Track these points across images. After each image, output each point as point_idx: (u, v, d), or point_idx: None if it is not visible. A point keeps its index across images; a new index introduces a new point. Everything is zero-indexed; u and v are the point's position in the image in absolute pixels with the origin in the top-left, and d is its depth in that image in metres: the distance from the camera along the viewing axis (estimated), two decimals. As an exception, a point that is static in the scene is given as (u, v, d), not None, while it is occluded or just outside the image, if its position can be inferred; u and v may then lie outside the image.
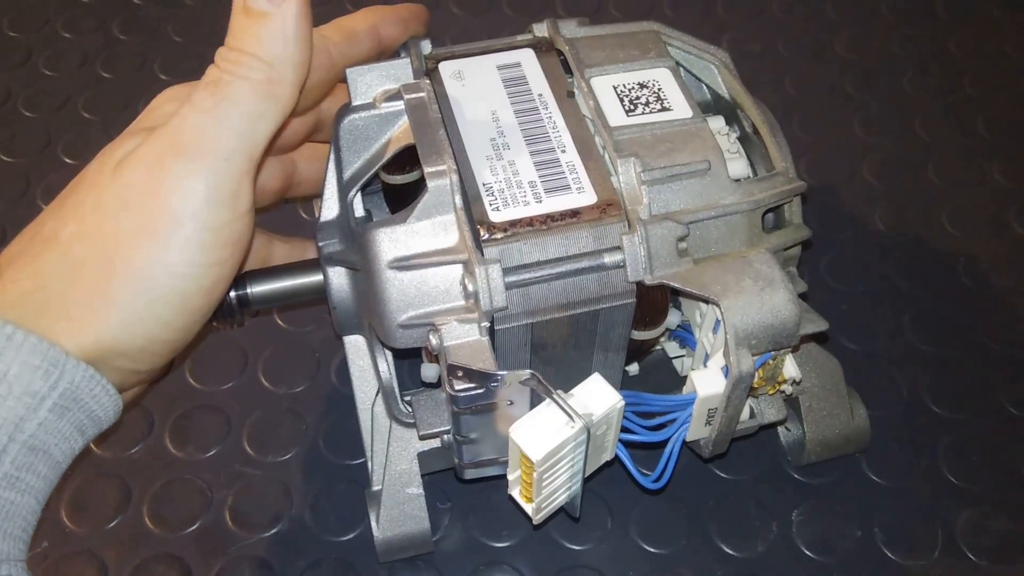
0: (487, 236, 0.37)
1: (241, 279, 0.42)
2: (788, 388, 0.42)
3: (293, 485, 0.49)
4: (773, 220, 0.44)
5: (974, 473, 0.49)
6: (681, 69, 0.46)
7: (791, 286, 0.37)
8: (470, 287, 0.36)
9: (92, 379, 0.34)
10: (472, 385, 0.36)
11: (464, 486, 0.48)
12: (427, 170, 0.37)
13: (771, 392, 0.42)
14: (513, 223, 0.37)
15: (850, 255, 0.59)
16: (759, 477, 0.49)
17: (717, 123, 0.45)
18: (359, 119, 0.41)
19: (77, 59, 0.69)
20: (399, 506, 0.43)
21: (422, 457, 0.43)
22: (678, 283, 0.37)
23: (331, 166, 0.42)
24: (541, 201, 0.38)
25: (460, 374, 0.35)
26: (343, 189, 0.42)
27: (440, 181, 0.37)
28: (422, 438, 0.41)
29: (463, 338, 0.37)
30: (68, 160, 0.63)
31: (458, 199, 0.37)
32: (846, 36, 0.71)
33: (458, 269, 0.37)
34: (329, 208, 0.43)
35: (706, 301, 0.38)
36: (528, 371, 0.35)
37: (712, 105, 0.47)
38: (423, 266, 0.37)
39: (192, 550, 0.46)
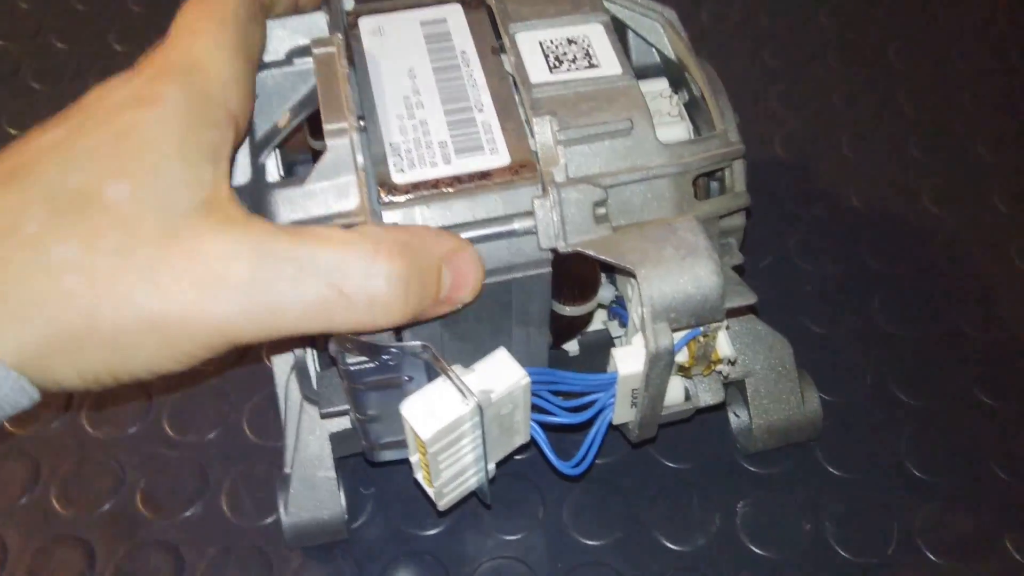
0: (387, 199, 0.34)
1: None
2: (725, 368, 0.39)
3: (211, 467, 0.46)
4: (718, 188, 0.41)
5: (937, 465, 0.46)
6: (630, 31, 0.43)
7: (716, 255, 0.34)
8: (367, 253, 0.34)
9: (20, 392, 0.28)
10: (363, 359, 0.33)
11: (390, 470, 0.45)
12: (326, 128, 0.35)
13: (706, 373, 0.39)
14: (417, 185, 0.35)
15: (821, 233, 0.55)
16: (705, 465, 0.46)
17: (659, 85, 0.42)
18: (269, 76, 0.38)
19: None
20: (309, 490, 0.41)
21: (335, 438, 0.41)
22: (593, 251, 0.34)
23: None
24: (450, 162, 0.35)
25: (349, 346, 0.33)
26: (254, 151, 0.40)
27: (339, 140, 0.35)
28: (323, 416, 0.39)
29: (360, 308, 0.34)
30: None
31: (360, 159, 0.35)
32: (831, 4, 0.68)
33: (356, 234, 0.34)
34: (241, 172, 0.40)
35: (623, 272, 0.35)
36: (419, 343, 0.32)
37: (661, 68, 0.44)
38: (322, 230, 0.35)
39: (98, 533, 0.44)
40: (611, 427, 0.39)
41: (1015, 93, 0.63)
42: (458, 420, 0.32)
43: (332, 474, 0.41)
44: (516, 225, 0.35)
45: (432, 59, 0.39)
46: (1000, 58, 0.65)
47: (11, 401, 0.28)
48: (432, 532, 0.44)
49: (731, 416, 0.46)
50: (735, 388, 0.45)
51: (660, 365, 0.35)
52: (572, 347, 0.44)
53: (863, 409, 0.48)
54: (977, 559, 0.43)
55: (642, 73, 0.44)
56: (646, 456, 0.46)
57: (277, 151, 0.40)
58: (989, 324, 0.51)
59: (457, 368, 0.33)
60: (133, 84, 0.32)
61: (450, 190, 0.35)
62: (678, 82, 0.43)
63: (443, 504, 0.36)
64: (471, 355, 0.35)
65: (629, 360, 0.36)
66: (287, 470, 0.41)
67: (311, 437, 0.41)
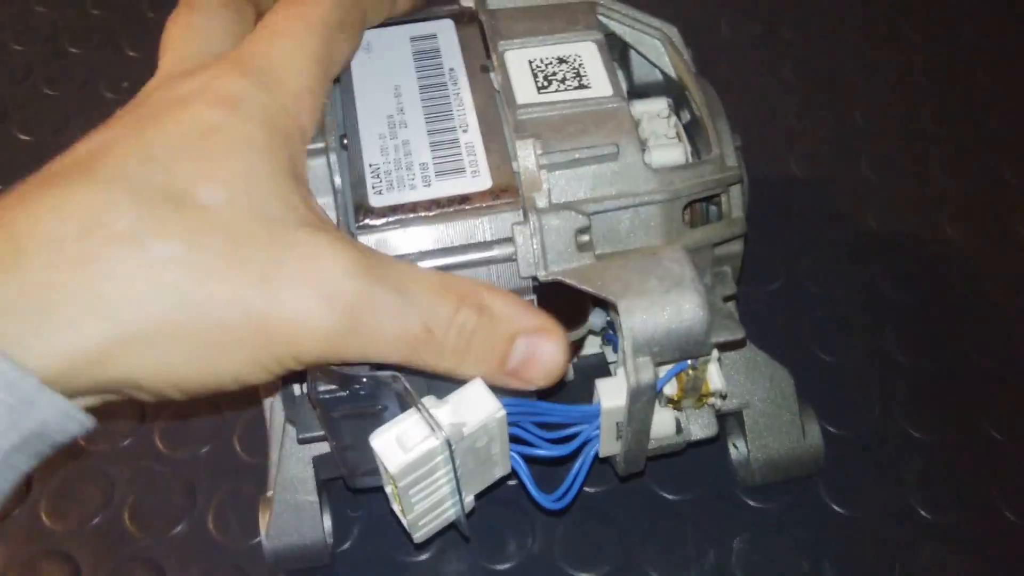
0: (363, 222, 0.34)
1: None
2: (717, 402, 0.37)
3: (199, 485, 0.46)
4: (717, 213, 0.39)
5: (944, 504, 0.44)
6: (632, 51, 0.42)
7: (702, 287, 0.33)
8: (341, 278, 0.33)
9: (67, 416, 0.27)
10: (334, 387, 0.32)
11: (378, 493, 0.44)
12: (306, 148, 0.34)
13: (697, 406, 0.37)
14: (395, 208, 0.34)
15: (834, 256, 0.53)
16: (702, 498, 0.45)
17: (656, 105, 0.40)
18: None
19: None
20: (291, 513, 0.40)
21: (319, 461, 0.40)
22: (574, 280, 0.33)
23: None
24: (430, 185, 0.34)
25: (319, 374, 0.32)
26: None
27: (317, 160, 0.34)
28: (301, 442, 0.38)
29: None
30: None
31: (337, 180, 0.34)
32: (856, 20, 0.66)
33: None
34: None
35: (604, 304, 0.33)
36: (391, 373, 0.31)
37: (663, 87, 0.43)
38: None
39: (85, 549, 0.43)
40: (598, 460, 0.38)
41: (1045, 114, 0.60)
42: (428, 454, 0.31)
43: (314, 498, 0.40)
44: (495, 252, 0.33)
45: (419, 76, 0.38)
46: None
47: (60, 429, 0.27)
48: (419, 558, 0.43)
49: (731, 448, 0.45)
50: (734, 419, 0.43)
51: (642, 400, 0.33)
52: (568, 373, 0.43)
53: (870, 442, 0.46)
54: (982, 606, 0.41)
55: (644, 92, 0.43)
56: (641, 486, 0.45)
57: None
58: (1005, 357, 0.49)
59: (429, 400, 0.32)
60: (202, 79, 0.31)
61: (428, 214, 0.34)
62: (681, 102, 0.41)
63: (418, 536, 0.35)
64: (451, 385, 0.34)
65: (612, 392, 0.34)
66: (269, 493, 0.41)
67: (294, 460, 0.40)
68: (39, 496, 0.45)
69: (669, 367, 0.35)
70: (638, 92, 0.43)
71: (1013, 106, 0.60)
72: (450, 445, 0.31)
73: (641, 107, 0.40)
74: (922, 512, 0.44)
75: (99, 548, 0.44)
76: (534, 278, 0.34)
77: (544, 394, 0.37)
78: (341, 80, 0.38)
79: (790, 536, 0.43)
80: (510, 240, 0.33)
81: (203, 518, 0.45)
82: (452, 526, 0.37)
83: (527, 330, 0.32)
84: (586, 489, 0.45)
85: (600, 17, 0.41)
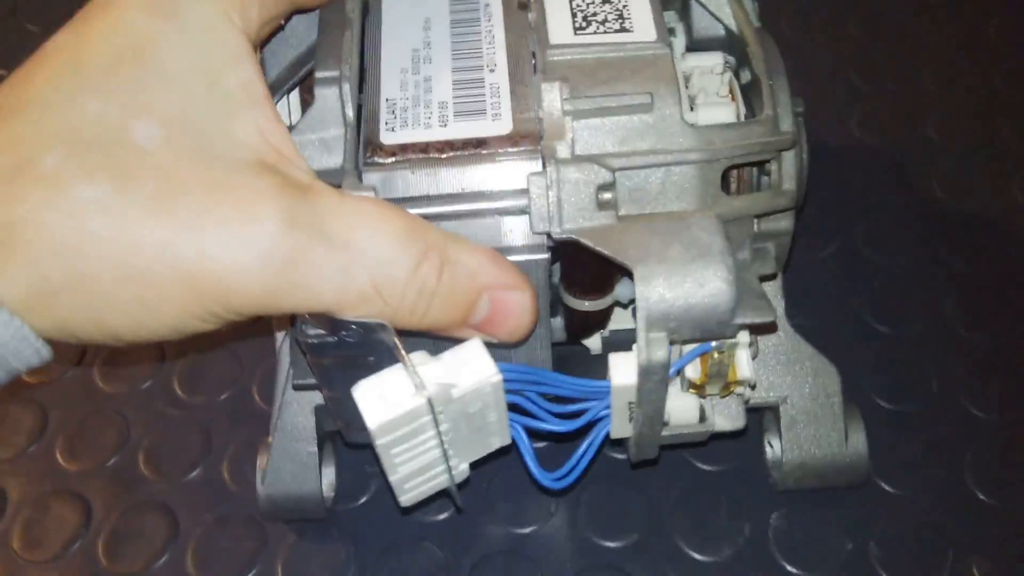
0: (370, 158, 0.31)
1: None
2: (746, 392, 0.34)
3: (216, 431, 0.44)
4: (768, 181, 0.35)
5: (1002, 486, 0.40)
6: (694, 1, 0.38)
7: (731, 260, 0.29)
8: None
9: (23, 341, 0.26)
10: (322, 332, 0.30)
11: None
12: (317, 75, 0.32)
13: (723, 394, 0.34)
14: (404, 147, 0.31)
15: (895, 223, 0.49)
16: (739, 469, 0.41)
17: (710, 60, 0.36)
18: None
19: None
20: (288, 461, 0.39)
21: (321, 411, 0.38)
22: (590, 240, 0.30)
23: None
24: (446, 125, 0.32)
25: (307, 316, 0.30)
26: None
27: (328, 90, 0.32)
28: (295, 388, 0.36)
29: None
30: None
31: (349, 112, 0.32)
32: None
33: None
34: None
35: (621, 268, 0.30)
36: (378, 321, 0.29)
37: (725, 43, 0.39)
38: (303, 188, 0.32)
39: (98, 490, 0.43)
40: (609, 441, 0.35)
41: None
42: (411, 413, 0.29)
43: (314, 449, 0.39)
44: (508, 203, 0.31)
45: (452, 9, 0.35)
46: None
47: (15, 352, 0.26)
48: (437, 518, 0.41)
49: (766, 446, 0.41)
50: (772, 415, 0.40)
51: (653, 380, 0.30)
52: (595, 344, 0.40)
53: (925, 419, 0.43)
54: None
55: (705, 47, 0.39)
56: (674, 455, 0.42)
57: (289, 97, 0.37)
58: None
59: (421, 355, 0.30)
60: None
61: (440, 156, 0.31)
62: (742, 61, 0.38)
63: (404, 500, 0.33)
64: (450, 342, 0.32)
65: (625, 369, 0.31)
66: (269, 438, 0.39)
67: (295, 407, 0.38)
68: (55, 435, 0.44)
69: (693, 346, 0.31)
70: (698, 46, 0.40)
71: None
72: (433, 407, 0.29)
73: (693, 61, 0.37)
74: (979, 494, 0.40)
75: (112, 490, 0.43)
76: (548, 235, 0.31)
77: (560, 364, 0.35)
78: (370, 8, 0.35)
79: (833, 514, 0.40)
80: (525, 191, 0.30)
81: (218, 465, 0.43)
82: (445, 493, 0.34)
83: (493, 285, 0.29)
84: (614, 455, 0.42)
85: (661, -41, 0.37)
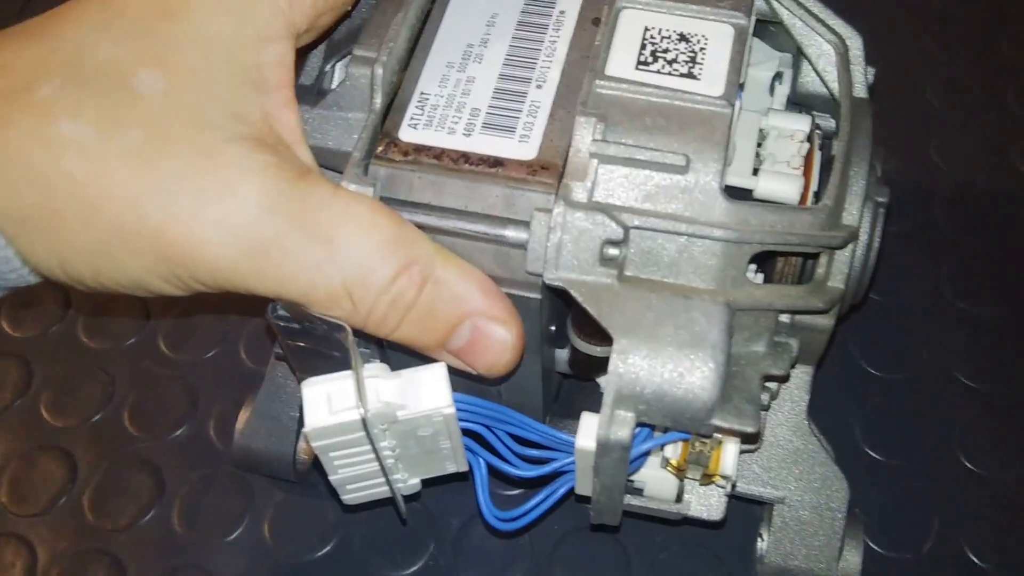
0: (383, 152, 0.30)
1: None
2: (724, 484, 0.31)
3: (202, 390, 0.44)
4: (812, 271, 0.32)
5: (991, 458, 0.41)
6: (805, 59, 0.35)
7: (723, 357, 0.27)
8: (338, 205, 0.29)
9: (3, 261, 0.26)
10: (289, 316, 0.29)
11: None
12: (355, 52, 0.31)
13: (702, 483, 0.31)
14: (420, 148, 0.30)
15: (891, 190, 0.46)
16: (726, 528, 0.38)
17: (795, 124, 0.33)
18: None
19: None
20: (268, 420, 0.39)
21: (309, 380, 0.38)
22: (579, 295, 0.28)
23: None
24: (470, 135, 0.30)
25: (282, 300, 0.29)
26: (328, 53, 0.36)
27: (361, 70, 0.30)
28: (276, 358, 0.35)
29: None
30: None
31: (377, 100, 0.30)
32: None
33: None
34: (311, 69, 0.37)
35: (600, 328, 0.28)
36: (339, 322, 0.28)
37: (828, 106, 0.35)
38: (319, 164, 0.31)
39: (83, 446, 0.43)
40: (574, 496, 0.33)
41: None
42: (348, 425, 0.28)
43: (296, 414, 0.38)
44: (508, 232, 0.29)
45: (523, 11, 0.33)
46: None
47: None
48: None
49: (758, 537, 0.38)
50: (768, 510, 0.37)
51: (612, 457, 0.28)
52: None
53: (915, 388, 0.42)
54: None
55: (808, 102, 0.36)
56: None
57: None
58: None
59: (377, 367, 0.29)
60: None
61: (452, 166, 0.29)
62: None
63: (346, 499, 0.32)
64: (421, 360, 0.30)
65: (590, 433, 0.29)
66: (259, 394, 0.39)
67: (283, 369, 0.38)
68: (40, 391, 0.45)
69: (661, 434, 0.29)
70: (802, 102, 0.36)
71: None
72: (368, 426, 0.27)
73: (776, 121, 0.33)
74: (967, 464, 0.41)
75: (97, 445, 0.43)
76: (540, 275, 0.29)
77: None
78: (442, -8, 0.33)
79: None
80: (525, 224, 0.28)
81: (204, 423, 0.43)
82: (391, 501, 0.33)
83: (479, 313, 0.27)
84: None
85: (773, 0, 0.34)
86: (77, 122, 0.25)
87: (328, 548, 0.40)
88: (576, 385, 0.38)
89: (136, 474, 0.42)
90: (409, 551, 0.40)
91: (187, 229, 0.25)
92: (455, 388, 0.29)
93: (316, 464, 0.40)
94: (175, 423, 0.43)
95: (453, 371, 0.29)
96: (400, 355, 0.30)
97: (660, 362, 0.27)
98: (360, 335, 0.28)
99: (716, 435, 0.29)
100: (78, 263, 0.26)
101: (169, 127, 0.25)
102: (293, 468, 0.39)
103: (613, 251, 0.28)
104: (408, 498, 0.33)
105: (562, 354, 0.36)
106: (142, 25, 0.26)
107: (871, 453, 0.41)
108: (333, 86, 0.35)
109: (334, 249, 0.26)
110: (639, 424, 0.28)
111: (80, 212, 0.25)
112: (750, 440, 0.29)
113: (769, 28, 0.35)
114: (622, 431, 0.27)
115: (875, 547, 0.38)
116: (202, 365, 0.45)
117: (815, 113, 0.35)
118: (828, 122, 0.35)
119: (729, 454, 0.30)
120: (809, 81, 0.35)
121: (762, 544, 0.37)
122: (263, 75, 0.27)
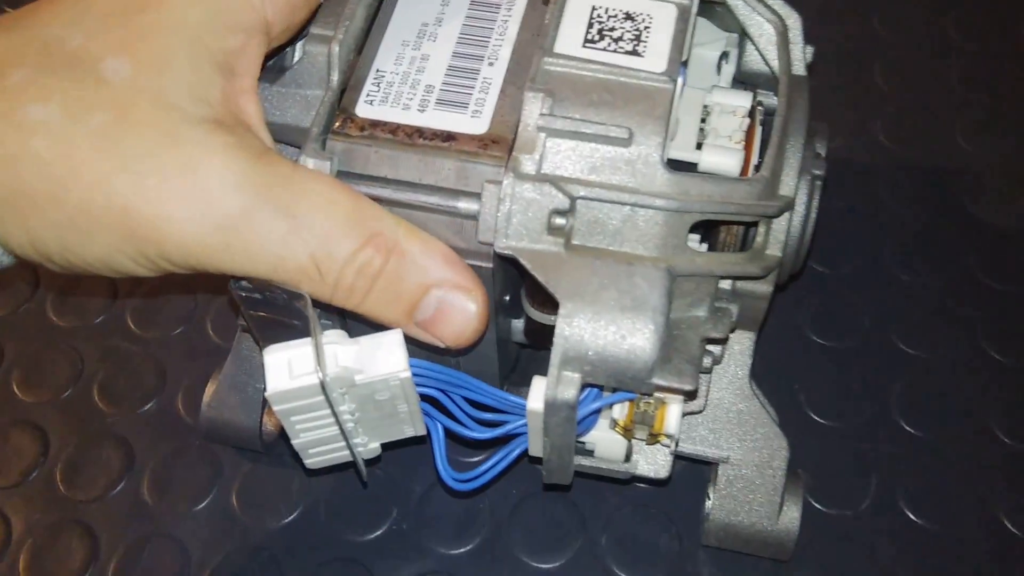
0: (339, 128, 0.31)
1: None
2: (669, 443, 0.33)
3: (170, 365, 0.45)
4: (752, 240, 0.34)
5: (928, 419, 0.42)
6: (748, 39, 0.36)
7: (662, 318, 0.28)
8: (296, 178, 0.30)
9: None
10: (251, 287, 0.30)
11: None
12: (312, 30, 0.32)
13: (648, 443, 0.33)
14: (375, 124, 0.31)
15: (837, 167, 0.45)
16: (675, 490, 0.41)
17: (736, 100, 0.35)
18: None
19: None
20: (235, 391, 0.40)
21: (275, 351, 0.39)
22: (527, 262, 0.29)
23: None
24: (424, 111, 0.31)
25: (239, 269, 0.30)
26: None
27: (318, 48, 0.31)
28: (241, 330, 0.36)
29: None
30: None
31: (334, 77, 0.31)
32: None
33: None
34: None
35: (552, 297, 0.29)
36: (301, 291, 0.29)
37: (771, 84, 0.37)
38: (277, 140, 0.32)
39: (54, 421, 0.44)
40: (528, 458, 0.34)
41: None
42: (307, 389, 0.29)
43: (262, 385, 0.39)
44: (460, 204, 0.30)
45: (476, -8, 0.34)
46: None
47: None
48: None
49: (706, 496, 0.40)
50: (714, 469, 0.38)
51: (559, 416, 0.29)
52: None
53: (856, 354, 0.44)
54: None
55: (753, 81, 0.37)
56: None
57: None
58: (1004, 274, 0.46)
59: (336, 334, 0.30)
60: None
61: (407, 141, 0.30)
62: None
63: (309, 463, 0.34)
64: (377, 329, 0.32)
65: (540, 395, 0.31)
66: (225, 367, 0.40)
67: (250, 341, 0.39)
68: (10, 368, 0.45)
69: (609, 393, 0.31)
70: (747, 80, 0.38)
71: None
72: (327, 390, 0.29)
73: (719, 97, 0.35)
74: (905, 425, 0.43)
75: (68, 421, 0.44)
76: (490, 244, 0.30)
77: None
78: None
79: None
80: (477, 196, 0.30)
81: (172, 398, 0.44)
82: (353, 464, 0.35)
83: (443, 283, 0.28)
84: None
85: (717, -17, 0.35)
86: (46, 106, 0.26)
87: (294, 515, 0.41)
88: (533, 355, 0.40)
89: (106, 447, 0.43)
90: (373, 517, 0.41)
91: (153, 207, 0.26)
92: (414, 356, 0.30)
93: (283, 435, 0.42)
94: (144, 398, 0.44)
95: (418, 344, 0.30)
96: (360, 325, 0.31)
97: (603, 325, 0.28)
98: (327, 308, 0.29)
99: (658, 394, 0.31)
100: (48, 241, 0.27)
101: (134, 110, 0.26)
102: (260, 438, 0.40)
103: (560, 220, 0.29)
104: (369, 462, 0.34)
105: (518, 324, 0.37)
106: (115, 18, 0.27)
107: (814, 416, 0.43)
108: (293, 64, 0.36)
109: (299, 224, 0.27)
110: (587, 385, 0.29)
111: (49, 191, 0.26)
112: (689, 397, 0.31)
113: (716, 8, 0.37)
114: (568, 391, 0.29)
115: (816, 504, 0.40)
116: (170, 342, 0.46)
117: (759, 91, 0.37)
118: (772, 100, 0.37)
119: (672, 414, 0.31)
120: (753, 60, 0.37)
121: (708, 502, 0.39)
122: (227, 61, 0.28)
